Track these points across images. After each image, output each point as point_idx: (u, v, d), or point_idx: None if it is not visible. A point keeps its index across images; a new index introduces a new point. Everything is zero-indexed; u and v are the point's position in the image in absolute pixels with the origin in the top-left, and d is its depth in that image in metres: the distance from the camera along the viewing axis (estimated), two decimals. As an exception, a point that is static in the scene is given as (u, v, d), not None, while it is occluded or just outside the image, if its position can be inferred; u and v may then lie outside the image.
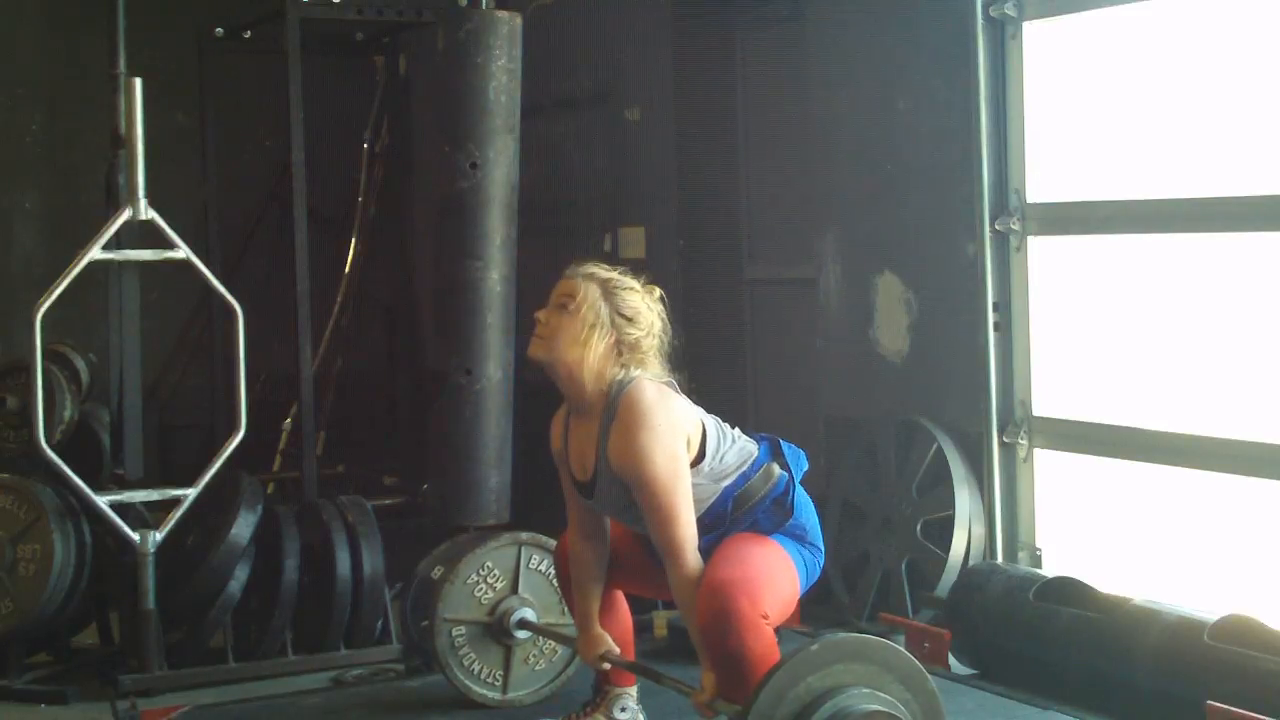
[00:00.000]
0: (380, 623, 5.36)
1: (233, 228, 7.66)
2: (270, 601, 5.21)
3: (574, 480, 4.12)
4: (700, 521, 3.92)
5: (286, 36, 6.16)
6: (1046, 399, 5.45)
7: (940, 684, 4.87)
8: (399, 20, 6.56)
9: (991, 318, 5.46)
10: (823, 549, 4.10)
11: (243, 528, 5.16)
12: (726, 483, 3.96)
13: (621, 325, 3.95)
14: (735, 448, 4.01)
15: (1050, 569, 5.25)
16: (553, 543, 4.71)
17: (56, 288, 5.05)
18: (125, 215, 5.19)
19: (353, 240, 7.83)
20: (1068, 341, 5.41)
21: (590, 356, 3.93)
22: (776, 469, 4.02)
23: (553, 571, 4.74)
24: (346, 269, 7.79)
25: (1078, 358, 5.38)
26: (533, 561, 4.82)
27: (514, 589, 4.79)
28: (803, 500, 4.04)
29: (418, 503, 6.89)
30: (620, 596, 4.39)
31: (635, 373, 3.95)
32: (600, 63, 7.02)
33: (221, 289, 5.35)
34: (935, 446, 5.55)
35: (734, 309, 6.61)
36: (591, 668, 4.36)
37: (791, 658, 3.56)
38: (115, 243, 5.26)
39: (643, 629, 5.08)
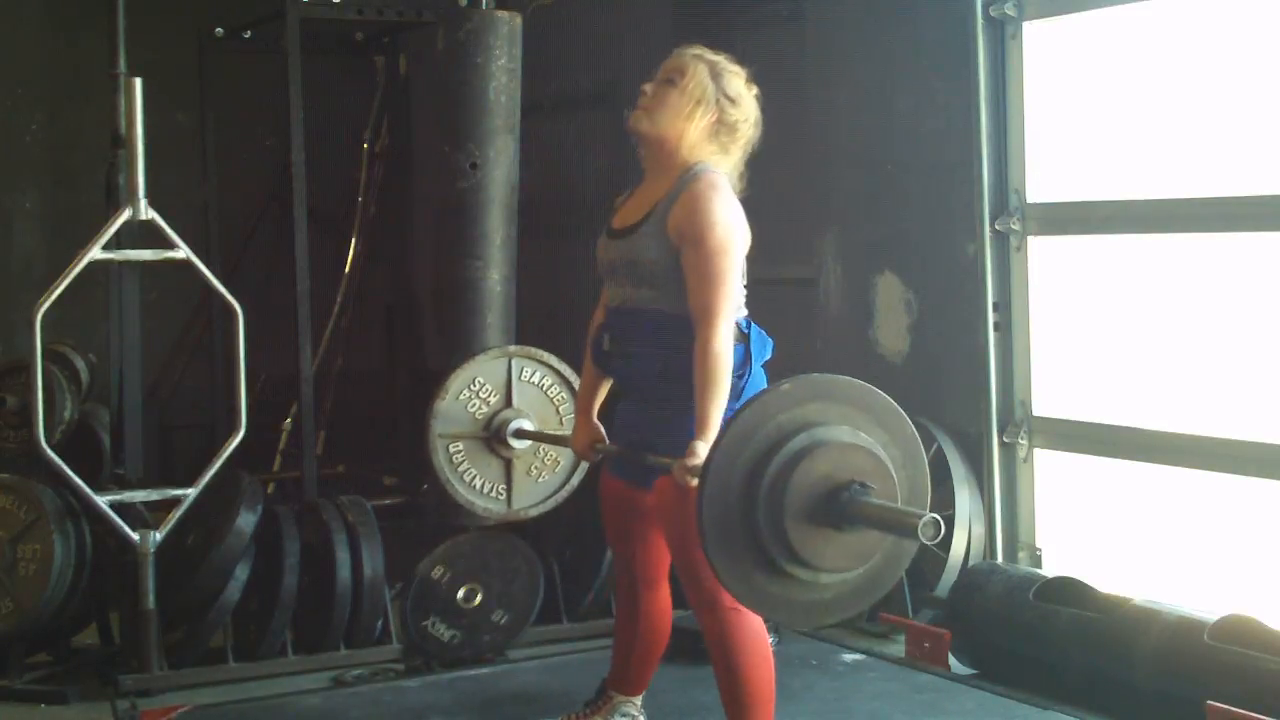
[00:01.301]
0: (380, 623, 5.36)
1: (233, 228, 7.66)
2: (270, 601, 5.21)
3: (609, 230, 4.10)
4: (662, 349, 3.91)
5: (286, 36, 6.15)
6: (1046, 399, 5.45)
7: (940, 684, 4.91)
8: (399, 20, 6.55)
9: (991, 318, 5.47)
10: None
11: (243, 528, 5.16)
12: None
13: (725, 106, 3.98)
14: (740, 300, 3.98)
15: (1050, 569, 5.26)
16: (544, 354, 4.73)
17: (56, 288, 5.05)
18: (125, 215, 5.18)
19: (353, 240, 7.83)
20: (1068, 341, 5.41)
21: (692, 131, 3.96)
22: (736, 343, 3.93)
23: (547, 382, 4.75)
24: (346, 269, 7.79)
25: (1078, 358, 5.38)
26: (524, 373, 4.77)
27: (508, 401, 4.75)
28: (754, 385, 3.96)
29: (418, 503, 6.89)
30: (666, 597, 4.32)
31: (725, 162, 3.99)
32: (600, 63, 7.02)
33: (221, 289, 5.35)
34: (935, 446, 5.55)
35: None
36: (583, 460, 4.33)
37: (762, 394, 3.51)
38: (115, 243, 5.26)
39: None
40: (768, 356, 4.04)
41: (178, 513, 5.14)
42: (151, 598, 5.05)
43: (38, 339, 4.99)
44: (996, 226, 5.45)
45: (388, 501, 6.82)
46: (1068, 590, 4.87)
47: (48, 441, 5.07)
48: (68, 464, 5.02)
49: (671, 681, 4.76)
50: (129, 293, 5.68)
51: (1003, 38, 5.46)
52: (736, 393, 3.89)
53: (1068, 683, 4.72)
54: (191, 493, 5.16)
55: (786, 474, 3.41)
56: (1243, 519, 4.81)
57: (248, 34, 7.16)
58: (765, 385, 3.98)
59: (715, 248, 3.84)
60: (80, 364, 6.34)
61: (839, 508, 3.42)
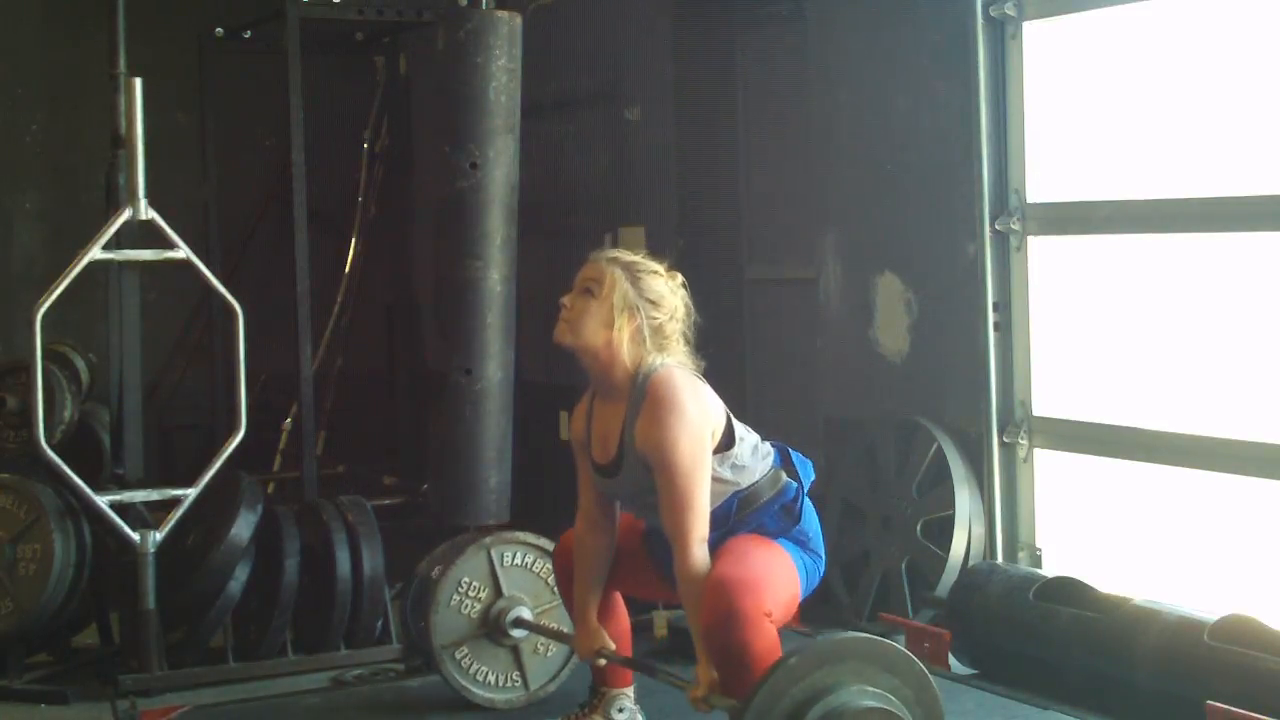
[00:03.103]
0: (380, 623, 5.36)
1: (233, 228, 7.66)
2: (270, 601, 5.21)
3: (594, 464, 4.13)
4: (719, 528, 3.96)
5: (286, 36, 6.16)
6: (1046, 399, 5.45)
7: (940, 684, 4.89)
8: (399, 20, 6.56)
9: (991, 318, 5.46)
10: (824, 557, 4.13)
11: (243, 528, 5.16)
12: (741, 480, 3.99)
13: (647, 309, 3.99)
14: (753, 446, 4.05)
15: (1050, 569, 5.25)
16: (519, 534, 4.76)
17: (56, 288, 5.05)
18: (125, 215, 5.18)
19: (353, 240, 7.83)
20: (1068, 341, 5.40)
21: (617, 340, 3.97)
22: (784, 476, 4.06)
23: (529, 560, 4.78)
24: (346, 269, 7.80)
25: (1078, 358, 5.37)
26: (505, 559, 4.81)
27: (498, 592, 4.79)
28: (809, 509, 4.08)
29: (418, 503, 6.90)
30: (618, 597, 4.40)
31: (666, 359, 3.99)
32: (600, 63, 7.02)
33: (221, 289, 5.35)
34: (935, 446, 5.55)
35: (733, 309, 6.61)
36: (588, 664, 4.37)
37: (793, 655, 3.56)
38: (115, 243, 5.26)
39: (643, 629, 5.09)
40: (812, 479, 4.14)
41: (178, 513, 5.14)
42: (151, 598, 5.05)
43: (38, 339, 4.99)
44: (996, 226, 5.45)
45: (388, 501, 6.83)
46: (1068, 590, 4.87)
47: (48, 441, 5.07)
48: (68, 464, 5.02)
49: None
50: (129, 293, 5.68)
51: (1003, 38, 5.46)
52: (794, 516, 4.01)
53: (1068, 683, 4.72)
54: (191, 493, 5.16)
55: None
56: (1243, 519, 4.81)
57: (248, 34, 7.17)
58: (812, 510, 4.10)
59: (680, 473, 3.87)
60: (80, 364, 6.34)
61: None
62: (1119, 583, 4.87)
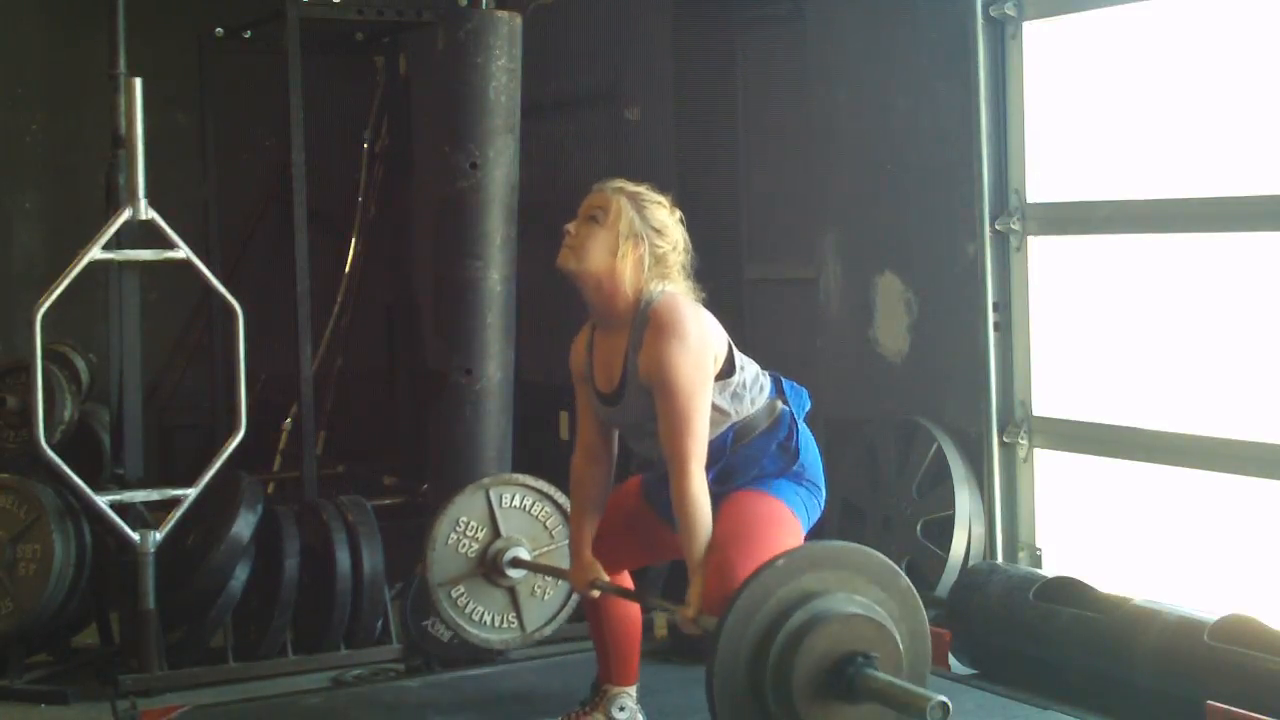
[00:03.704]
0: (380, 623, 5.36)
1: (233, 228, 7.66)
2: (270, 601, 5.21)
3: (597, 393, 4.15)
4: (713, 465, 3.99)
5: (286, 36, 6.16)
6: (1046, 399, 5.45)
7: (940, 684, 4.90)
8: (399, 20, 6.56)
9: (991, 318, 5.46)
10: (823, 487, 4.16)
11: (243, 528, 5.16)
12: (739, 411, 4.03)
13: (651, 237, 4.03)
14: (753, 375, 4.09)
15: (1050, 569, 5.25)
16: (519, 476, 4.80)
17: (56, 288, 5.05)
18: (125, 215, 5.19)
19: (353, 240, 7.83)
20: (1068, 341, 5.40)
21: (621, 267, 4.00)
22: (780, 405, 4.10)
23: (528, 503, 4.78)
24: (346, 269, 7.80)
25: (1078, 358, 5.37)
26: (505, 500, 4.79)
27: (496, 532, 4.77)
28: (805, 440, 4.10)
29: (418, 503, 6.89)
30: (626, 584, 4.40)
31: (668, 286, 4.03)
32: (600, 63, 7.02)
33: (221, 289, 5.35)
34: (935, 446, 5.55)
35: (733, 309, 6.61)
36: (581, 595, 4.37)
37: (782, 558, 3.57)
38: (115, 243, 5.26)
39: (644, 629, 5.08)
40: (807, 408, 4.15)
41: (178, 513, 5.15)
42: (151, 598, 5.06)
43: (38, 339, 5.00)
44: (996, 226, 5.45)
45: (388, 501, 6.82)
46: (1068, 590, 4.87)
47: (48, 441, 5.07)
48: (68, 464, 5.02)
49: (671, 681, 4.77)
50: (129, 293, 5.68)
51: (1003, 38, 5.46)
52: (791, 453, 4.04)
53: (1068, 683, 4.72)
54: (191, 493, 5.16)
55: (791, 654, 3.47)
56: (1243, 519, 4.81)
57: (248, 34, 7.17)
58: (809, 439, 4.12)
59: (680, 396, 3.90)
60: (80, 364, 6.34)
61: (846, 683, 3.47)
62: (1119, 583, 4.87)
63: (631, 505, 4.30)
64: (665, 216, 4.08)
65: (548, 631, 4.83)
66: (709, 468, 3.96)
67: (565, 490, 4.54)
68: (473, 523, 4.76)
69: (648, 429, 4.03)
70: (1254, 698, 4.11)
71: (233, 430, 5.27)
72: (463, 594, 4.75)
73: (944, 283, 5.68)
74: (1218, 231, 4.88)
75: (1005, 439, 5.48)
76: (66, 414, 5.77)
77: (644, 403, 4.00)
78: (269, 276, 7.32)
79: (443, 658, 5.24)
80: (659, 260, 4.04)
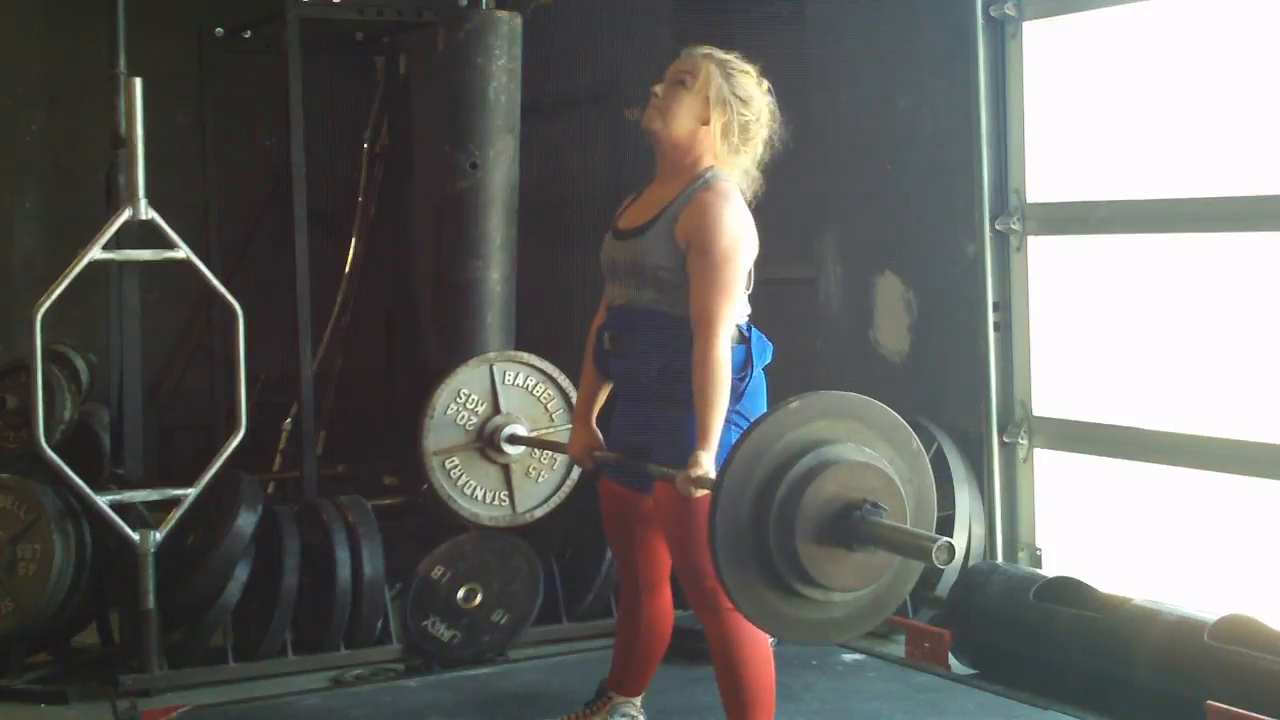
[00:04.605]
0: (380, 623, 5.36)
1: (233, 228, 7.66)
2: (270, 601, 5.21)
3: (615, 231, 4.11)
4: (662, 349, 3.93)
5: (286, 36, 6.15)
6: (1046, 399, 5.45)
7: (940, 684, 4.91)
8: (399, 20, 6.55)
9: (991, 318, 5.47)
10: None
11: (243, 528, 5.16)
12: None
13: (737, 106, 4.00)
14: (744, 305, 4.00)
15: (1050, 569, 5.26)
16: (523, 355, 4.77)
17: (56, 288, 5.05)
18: (125, 215, 5.18)
19: (353, 240, 7.83)
20: (1068, 341, 5.41)
21: (703, 132, 3.98)
22: (741, 337, 3.96)
23: (531, 382, 4.77)
24: (346, 269, 7.79)
25: (1078, 358, 5.38)
26: (507, 377, 4.78)
27: (495, 408, 4.75)
28: (757, 389, 4.00)
29: (418, 503, 6.89)
30: (667, 603, 4.33)
31: (741, 162, 4.01)
32: (600, 63, 7.02)
33: (221, 289, 5.35)
34: (935, 446, 5.55)
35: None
36: (580, 466, 4.33)
37: (795, 400, 3.54)
38: (115, 243, 5.26)
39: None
40: (768, 360, 4.06)
41: (178, 513, 5.14)
42: (151, 598, 5.05)
43: (38, 339, 4.99)
44: (996, 226, 5.45)
45: (388, 501, 6.81)
46: (1068, 590, 4.87)
47: (48, 441, 5.07)
48: (68, 464, 5.02)
49: (671, 681, 4.76)
50: (129, 293, 5.69)
51: (1003, 38, 5.46)
52: (738, 394, 3.91)
53: (1068, 683, 4.72)
54: (191, 493, 5.16)
55: (797, 495, 3.44)
56: (1243, 519, 4.81)
57: (248, 34, 7.16)
58: (765, 388, 4.01)
59: (721, 255, 3.85)
60: (80, 364, 6.34)
61: (850, 527, 3.45)
62: (1119, 583, 4.87)
63: (613, 510, 4.22)
64: (752, 86, 4.03)
65: (538, 514, 4.78)
66: (656, 359, 3.91)
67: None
68: (474, 396, 4.73)
69: (643, 276, 3.95)
70: (1254, 698, 4.12)
71: (233, 430, 5.27)
72: (456, 466, 4.73)
73: (944, 283, 5.68)
74: (1218, 231, 4.88)
75: (1005, 439, 5.48)
76: (66, 414, 5.77)
77: (658, 247, 3.93)
78: (269, 277, 7.31)
79: (443, 658, 5.25)
80: (743, 129, 4.01)
